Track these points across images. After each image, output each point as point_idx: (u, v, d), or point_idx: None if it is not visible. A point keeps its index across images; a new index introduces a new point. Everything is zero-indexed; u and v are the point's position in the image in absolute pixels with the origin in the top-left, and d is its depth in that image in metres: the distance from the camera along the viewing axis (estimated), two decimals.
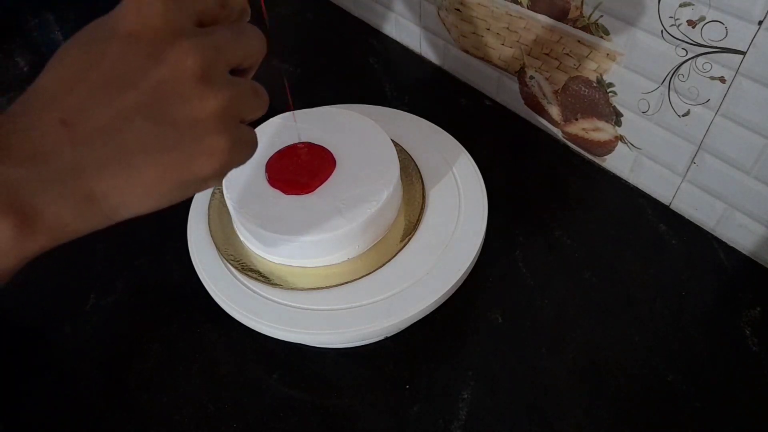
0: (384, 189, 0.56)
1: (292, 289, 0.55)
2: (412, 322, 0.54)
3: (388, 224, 0.59)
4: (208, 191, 0.62)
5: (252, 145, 0.29)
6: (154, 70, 0.23)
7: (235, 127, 0.27)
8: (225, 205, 0.59)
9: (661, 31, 0.60)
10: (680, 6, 0.57)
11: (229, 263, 0.57)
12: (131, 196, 0.25)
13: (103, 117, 0.23)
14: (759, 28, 0.53)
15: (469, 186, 0.64)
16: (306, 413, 0.57)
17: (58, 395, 0.59)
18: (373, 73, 0.95)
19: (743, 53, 0.55)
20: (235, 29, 0.29)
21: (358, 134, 0.62)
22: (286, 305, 0.54)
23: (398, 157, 0.59)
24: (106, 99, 0.23)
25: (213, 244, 0.60)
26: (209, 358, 0.61)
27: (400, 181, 0.60)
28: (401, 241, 0.58)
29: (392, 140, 0.61)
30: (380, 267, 0.56)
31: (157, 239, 0.63)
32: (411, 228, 0.59)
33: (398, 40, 1.01)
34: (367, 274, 0.56)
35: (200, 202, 0.64)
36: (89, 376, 0.60)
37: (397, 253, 0.57)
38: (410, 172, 0.65)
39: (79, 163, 0.23)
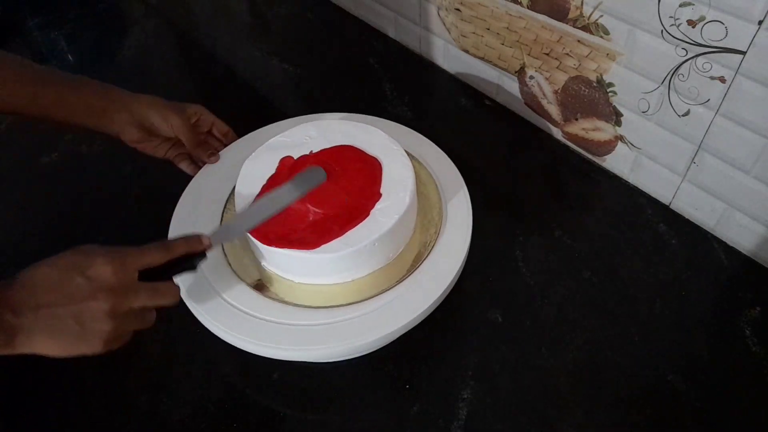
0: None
1: (309, 307, 0.55)
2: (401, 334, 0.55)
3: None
4: (221, 205, 0.64)
5: (122, 343, 0.47)
6: (89, 301, 0.44)
7: (115, 337, 0.46)
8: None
9: (661, 31, 0.60)
10: (680, 6, 0.57)
11: (245, 281, 0.57)
12: (42, 350, 0.44)
13: (56, 311, 0.44)
14: (759, 28, 0.53)
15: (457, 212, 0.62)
16: (306, 412, 0.57)
17: (58, 395, 0.59)
18: (373, 73, 0.95)
19: (743, 53, 0.55)
20: (156, 291, 0.48)
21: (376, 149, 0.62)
22: (288, 324, 0.54)
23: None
24: (60, 303, 0.44)
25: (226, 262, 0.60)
26: (209, 358, 0.61)
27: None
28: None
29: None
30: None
31: (158, 239, 0.63)
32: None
33: (398, 40, 1.01)
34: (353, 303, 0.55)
35: (212, 216, 0.64)
36: (89, 376, 0.60)
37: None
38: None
39: (33, 326, 0.43)
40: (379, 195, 0.57)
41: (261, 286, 0.57)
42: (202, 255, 0.52)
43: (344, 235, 0.54)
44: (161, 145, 0.67)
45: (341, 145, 0.62)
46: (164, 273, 0.50)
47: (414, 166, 0.64)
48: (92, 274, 0.45)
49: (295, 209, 0.56)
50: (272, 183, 0.59)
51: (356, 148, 0.62)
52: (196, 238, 0.52)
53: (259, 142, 0.64)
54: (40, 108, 0.62)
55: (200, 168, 0.68)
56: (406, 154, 0.61)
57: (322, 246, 0.53)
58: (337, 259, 0.54)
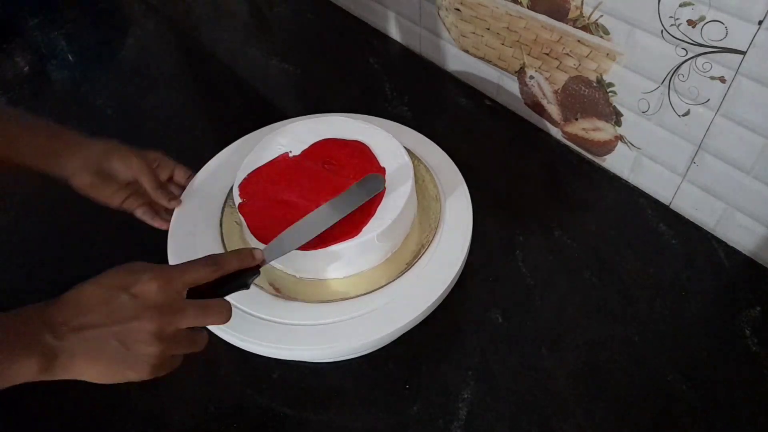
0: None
1: (310, 302, 0.55)
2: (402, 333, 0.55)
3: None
4: (220, 202, 0.64)
5: (171, 368, 0.46)
6: (134, 321, 0.42)
7: (162, 362, 0.44)
8: (235, 216, 0.60)
9: (661, 31, 0.60)
10: (680, 6, 0.57)
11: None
12: (84, 375, 0.42)
13: (100, 332, 0.41)
14: (759, 28, 0.53)
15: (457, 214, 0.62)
16: (306, 412, 0.57)
17: (58, 395, 0.59)
18: (373, 73, 0.95)
19: (743, 53, 0.55)
20: (206, 309, 0.45)
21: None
22: (284, 324, 0.54)
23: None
24: (105, 323, 0.41)
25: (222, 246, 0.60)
26: (209, 358, 0.61)
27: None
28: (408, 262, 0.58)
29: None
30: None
31: (158, 240, 0.63)
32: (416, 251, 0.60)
33: (398, 40, 1.01)
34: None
35: (211, 215, 0.64)
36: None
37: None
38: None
39: (76, 349, 0.41)
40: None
41: (262, 283, 0.57)
42: (255, 271, 0.49)
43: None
44: (118, 192, 0.62)
45: (331, 139, 0.63)
46: (215, 291, 0.47)
47: (414, 166, 0.64)
48: (137, 291, 0.42)
49: (306, 206, 0.56)
50: (273, 179, 0.60)
51: (348, 141, 0.63)
52: (248, 252, 0.49)
53: (260, 142, 0.64)
54: None
55: (162, 219, 0.64)
56: (402, 147, 0.62)
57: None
58: (339, 253, 0.54)
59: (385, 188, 0.58)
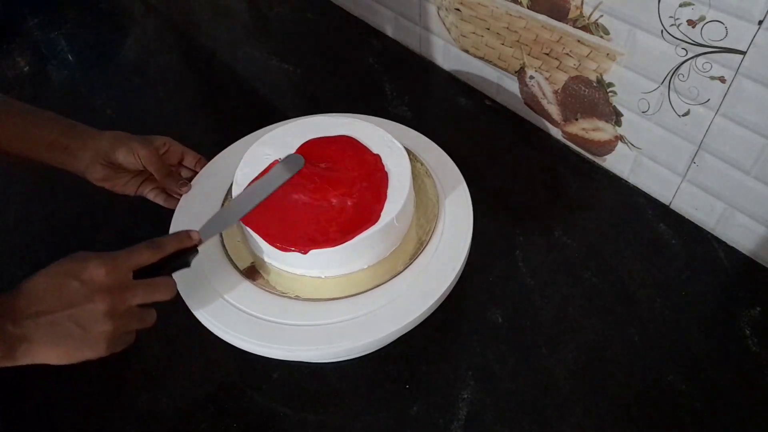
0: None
1: (309, 300, 0.55)
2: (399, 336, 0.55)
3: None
4: (218, 198, 0.64)
5: (127, 344, 0.48)
6: (86, 303, 0.45)
7: (117, 338, 0.47)
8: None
9: (661, 31, 0.60)
10: (680, 6, 0.57)
11: (240, 272, 0.57)
12: (45, 358, 0.45)
13: (55, 317, 0.44)
14: (759, 28, 0.53)
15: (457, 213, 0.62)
16: (306, 412, 0.57)
17: (58, 395, 0.59)
18: (373, 73, 0.95)
19: (743, 53, 0.55)
20: (151, 286, 0.48)
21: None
22: (279, 323, 0.54)
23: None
24: (58, 308, 0.44)
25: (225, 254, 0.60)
26: (209, 358, 0.61)
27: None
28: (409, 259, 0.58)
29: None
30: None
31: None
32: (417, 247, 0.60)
33: (398, 40, 1.01)
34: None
35: (209, 215, 0.64)
36: (89, 376, 0.60)
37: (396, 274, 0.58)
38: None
39: (34, 334, 0.44)
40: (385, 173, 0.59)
41: (257, 276, 0.57)
42: (194, 251, 0.53)
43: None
44: (131, 181, 0.65)
45: (333, 137, 0.63)
46: (158, 272, 0.50)
47: (414, 166, 0.64)
48: (87, 277, 0.45)
49: (318, 205, 0.57)
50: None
51: (346, 137, 0.63)
52: (185, 234, 0.52)
53: (244, 156, 0.63)
54: None
55: (176, 200, 0.65)
56: (386, 132, 0.63)
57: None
58: (340, 251, 0.54)
59: (385, 172, 0.59)
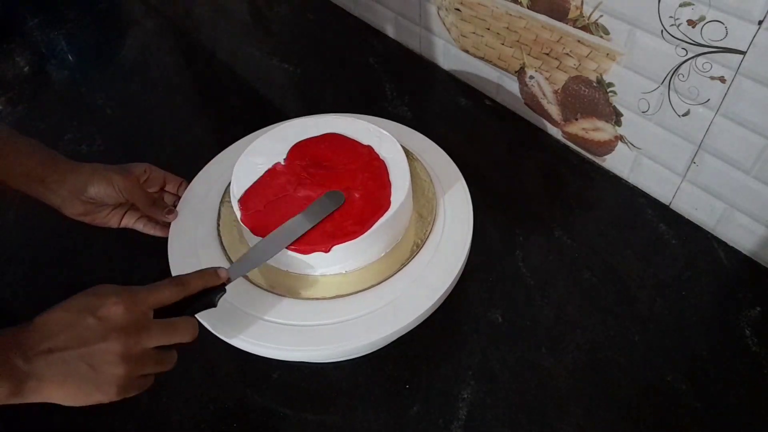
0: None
1: (297, 298, 0.55)
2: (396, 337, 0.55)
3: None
4: (217, 199, 0.64)
5: (141, 389, 0.46)
6: (100, 342, 0.43)
7: (130, 382, 0.44)
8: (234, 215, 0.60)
9: (661, 31, 0.60)
10: (680, 6, 0.57)
11: (246, 280, 0.57)
12: (53, 397, 0.43)
13: (67, 354, 0.42)
14: (759, 28, 0.53)
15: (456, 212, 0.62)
16: (306, 412, 0.57)
17: None
18: (373, 73, 0.95)
19: (743, 53, 0.55)
20: (170, 327, 0.46)
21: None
22: (278, 323, 0.54)
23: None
24: (71, 346, 0.42)
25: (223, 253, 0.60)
26: (209, 358, 0.61)
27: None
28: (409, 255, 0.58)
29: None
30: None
31: (158, 239, 0.63)
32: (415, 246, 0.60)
33: (398, 40, 1.01)
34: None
35: (208, 215, 0.64)
36: None
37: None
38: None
39: (44, 372, 0.42)
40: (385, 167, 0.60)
41: (261, 282, 0.57)
42: (221, 290, 0.50)
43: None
44: (112, 213, 0.62)
45: (329, 134, 0.64)
46: (182, 311, 0.47)
47: (416, 167, 0.64)
48: (103, 314, 0.43)
49: (297, 206, 0.57)
50: (273, 190, 0.59)
51: (342, 136, 0.64)
52: (212, 272, 0.50)
53: (234, 167, 0.63)
54: None
55: (165, 227, 0.63)
56: (370, 123, 0.63)
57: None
58: (361, 242, 0.54)
59: (381, 160, 0.60)
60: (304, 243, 0.54)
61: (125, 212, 0.63)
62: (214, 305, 0.49)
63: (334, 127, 0.65)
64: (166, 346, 0.46)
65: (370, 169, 0.60)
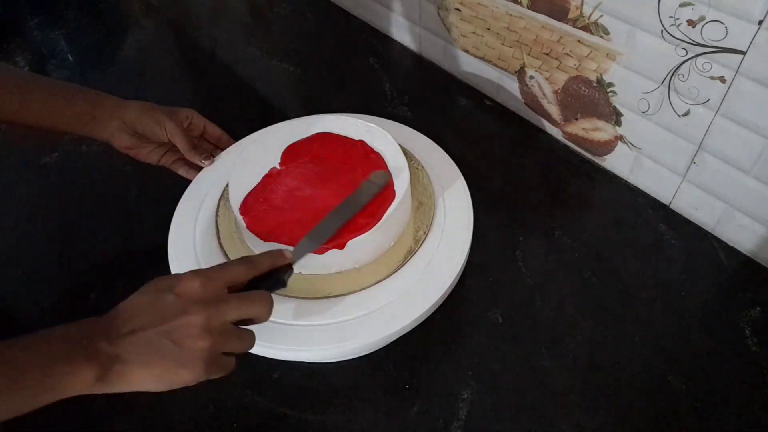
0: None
1: (293, 297, 0.55)
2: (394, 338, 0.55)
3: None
4: (213, 204, 0.64)
5: (226, 370, 0.46)
6: (181, 316, 0.42)
7: (215, 359, 0.44)
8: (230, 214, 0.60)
9: (661, 31, 0.60)
10: (680, 6, 0.57)
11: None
12: (140, 381, 0.42)
13: (150, 333, 0.42)
14: (759, 28, 0.53)
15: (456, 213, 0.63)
16: (306, 412, 0.57)
17: None
18: (373, 73, 0.95)
19: (743, 53, 0.55)
20: (247, 299, 0.46)
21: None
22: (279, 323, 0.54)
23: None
24: (153, 324, 0.42)
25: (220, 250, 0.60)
26: None
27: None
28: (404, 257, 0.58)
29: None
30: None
31: (158, 239, 0.63)
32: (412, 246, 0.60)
33: (398, 40, 1.01)
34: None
35: (206, 213, 0.64)
36: None
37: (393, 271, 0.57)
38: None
39: (129, 354, 0.42)
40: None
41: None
42: (288, 269, 0.51)
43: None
44: (154, 150, 0.68)
45: (324, 133, 0.64)
46: (252, 290, 0.48)
47: (413, 166, 0.64)
48: (181, 290, 0.43)
49: (335, 200, 0.57)
50: (275, 193, 0.59)
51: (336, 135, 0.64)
52: (279, 252, 0.51)
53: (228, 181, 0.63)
54: (28, 115, 0.62)
55: (196, 171, 0.68)
56: (356, 119, 0.64)
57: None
58: (374, 233, 0.55)
59: (377, 152, 0.61)
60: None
61: (165, 152, 0.68)
62: (284, 285, 0.50)
63: (322, 127, 0.65)
64: (245, 322, 0.47)
65: (368, 161, 0.60)
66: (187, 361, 0.43)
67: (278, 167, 0.61)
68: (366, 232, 0.54)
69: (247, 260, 0.48)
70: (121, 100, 0.65)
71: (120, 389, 0.42)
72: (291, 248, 0.52)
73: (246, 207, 0.58)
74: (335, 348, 0.52)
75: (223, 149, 0.71)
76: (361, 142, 0.62)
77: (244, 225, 0.56)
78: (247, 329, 0.47)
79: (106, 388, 0.42)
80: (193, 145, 0.67)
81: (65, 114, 0.62)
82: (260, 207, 0.58)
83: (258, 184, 0.60)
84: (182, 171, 0.69)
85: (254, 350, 0.52)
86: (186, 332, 0.42)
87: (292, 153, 0.63)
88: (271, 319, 0.54)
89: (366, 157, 0.61)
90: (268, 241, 0.55)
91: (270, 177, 0.60)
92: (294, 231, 0.55)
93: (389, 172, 0.59)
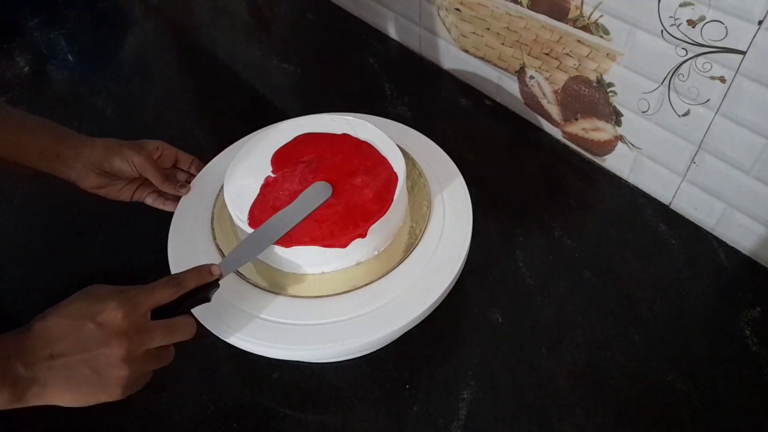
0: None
1: (293, 296, 0.55)
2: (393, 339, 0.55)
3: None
4: (211, 200, 0.64)
5: (144, 384, 0.47)
6: (102, 347, 0.43)
7: (134, 380, 0.45)
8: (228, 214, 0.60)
9: (661, 31, 0.60)
10: (680, 6, 0.57)
11: (239, 273, 0.57)
12: (57, 401, 0.44)
13: (69, 360, 0.42)
14: (759, 28, 0.53)
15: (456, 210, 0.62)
16: (306, 413, 0.57)
17: None
18: (373, 73, 0.95)
19: (743, 53, 0.55)
20: (171, 328, 0.47)
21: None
22: (278, 323, 0.54)
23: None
24: (73, 352, 0.42)
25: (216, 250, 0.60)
26: (209, 358, 0.61)
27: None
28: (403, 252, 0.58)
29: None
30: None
31: (158, 239, 0.63)
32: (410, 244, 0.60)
33: (398, 40, 1.01)
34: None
35: (204, 210, 0.64)
36: None
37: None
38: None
39: (47, 378, 0.42)
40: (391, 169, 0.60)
41: (260, 281, 0.57)
42: (214, 285, 0.51)
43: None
44: (126, 187, 0.64)
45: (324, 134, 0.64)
46: (178, 307, 0.48)
47: (412, 166, 0.64)
48: (103, 320, 0.43)
49: (345, 190, 0.57)
50: (276, 197, 0.59)
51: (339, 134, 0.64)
52: (206, 268, 0.50)
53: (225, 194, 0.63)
54: None
55: (175, 202, 0.65)
56: (353, 117, 0.64)
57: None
58: (390, 215, 0.55)
59: (362, 141, 0.61)
60: (340, 234, 0.54)
61: (138, 186, 0.65)
62: (208, 300, 0.51)
63: (300, 129, 0.64)
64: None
65: (360, 151, 0.60)
66: (106, 387, 0.44)
67: (272, 175, 0.61)
68: (383, 215, 0.54)
69: (173, 281, 0.48)
70: (86, 138, 0.62)
71: (34, 404, 0.43)
72: (218, 264, 0.51)
73: (254, 219, 0.56)
74: (335, 348, 0.52)
75: (195, 174, 0.68)
76: (346, 136, 0.63)
77: (247, 231, 0.56)
78: (167, 348, 0.48)
79: (20, 405, 0.42)
80: (165, 176, 0.64)
81: (30, 149, 0.59)
82: (265, 213, 0.57)
83: (258, 195, 0.59)
84: (159, 204, 0.66)
85: (254, 350, 0.53)
86: (106, 362, 0.43)
87: (282, 159, 0.62)
88: (271, 319, 0.54)
89: (357, 147, 0.61)
90: (298, 244, 0.54)
91: (268, 186, 0.59)
92: (314, 231, 0.55)
93: (329, 184, 0.58)
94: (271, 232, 0.54)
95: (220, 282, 0.51)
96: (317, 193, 0.57)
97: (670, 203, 0.72)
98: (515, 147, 0.82)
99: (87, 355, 0.42)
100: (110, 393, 0.44)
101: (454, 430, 0.54)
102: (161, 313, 0.47)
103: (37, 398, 0.42)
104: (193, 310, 0.55)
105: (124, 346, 0.43)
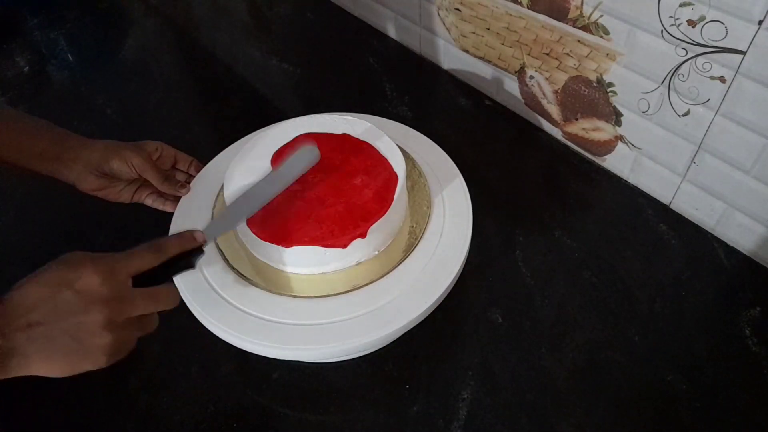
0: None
1: (293, 296, 0.55)
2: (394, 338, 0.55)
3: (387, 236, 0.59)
4: (211, 200, 0.64)
5: (127, 352, 0.46)
6: (81, 315, 0.42)
7: (117, 347, 0.44)
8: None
9: (661, 31, 0.60)
10: (680, 6, 0.57)
11: (233, 271, 0.57)
12: (40, 371, 0.43)
13: (49, 329, 0.41)
14: (759, 28, 0.53)
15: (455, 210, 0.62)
16: (306, 413, 0.57)
17: (58, 395, 0.59)
18: (373, 73, 0.95)
19: (743, 53, 0.55)
20: (152, 297, 0.46)
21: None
22: (277, 322, 0.54)
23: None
24: (52, 320, 0.41)
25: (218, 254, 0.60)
26: (209, 358, 0.61)
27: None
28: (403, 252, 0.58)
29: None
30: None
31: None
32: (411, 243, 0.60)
33: (398, 40, 1.01)
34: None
35: (204, 210, 0.64)
36: (89, 376, 0.60)
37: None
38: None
39: (27, 347, 0.41)
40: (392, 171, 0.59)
41: (259, 281, 0.57)
42: (198, 251, 0.50)
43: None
44: (125, 189, 0.64)
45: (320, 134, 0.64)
46: (161, 274, 0.47)
47: (412, 166, 0.64)
48: (81, 286, 0.42)
49: (345, 189, 0.57)
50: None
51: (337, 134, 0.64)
52: (189, 234, 0.50)
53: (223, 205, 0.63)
54: None
55: (174, 203, 0.65)
56: (351, 117, 0.64)
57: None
58: (390, 215, 0.55)
59: (362, 141, 0.61)
60: (340, 234, 0.54)
61: (137, 188, 0.65)
62: (193, 267, 0.50)
63: (300, 129, 0.64)
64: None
65: (360, 151, 0.60)
66: (88, 355, 0.43)
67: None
68: (383, 215, 0.54)
69: (155, 247, 0.47)
70: (86, 141, 0.62)
71: (19, 374, 0.42)
72: (200, 230, 0.51)
73: (254, 219, 0.56)
74: (335, 348, 0.52)
75: (194, 175, 0.68)
76: (346, 135, 0.62)
77: (247, 230, 0.56)
78: (150, 316, 0.46)
79: (4, 375, 0.41)
80: (165, 177, 0.64)
81: (30, 151, 0.59)
82: (274, 219, 0.56)
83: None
84: (159, 204, 0.65)
85: (254, 350, 0.53)
86: (87, 330, 0.42)
87: (282, 159, 0.61)
88: (271, 319, 0.54)
89: (357, 146, 0.61)
90: (278, 245, 0.54)
91: None
92: (314, 231, 0.55)
93: (316, 146, 0.58)
94: (256, 198, 0.54)
95: (204, 249, 0.51)
96: (304, 157, 0.56)
97: (670, 203, 0.72)
98: (515, 147, 0.82)
99: (66, 324, 0.41)
100: (93, 361, 0.43)
101: (454, 430, 0.54)
102: (145, 281, 0.46)
103: (21, 368, 0.42)
104: (192, 311, 0.55)
105: (104, 313, 0.42)
